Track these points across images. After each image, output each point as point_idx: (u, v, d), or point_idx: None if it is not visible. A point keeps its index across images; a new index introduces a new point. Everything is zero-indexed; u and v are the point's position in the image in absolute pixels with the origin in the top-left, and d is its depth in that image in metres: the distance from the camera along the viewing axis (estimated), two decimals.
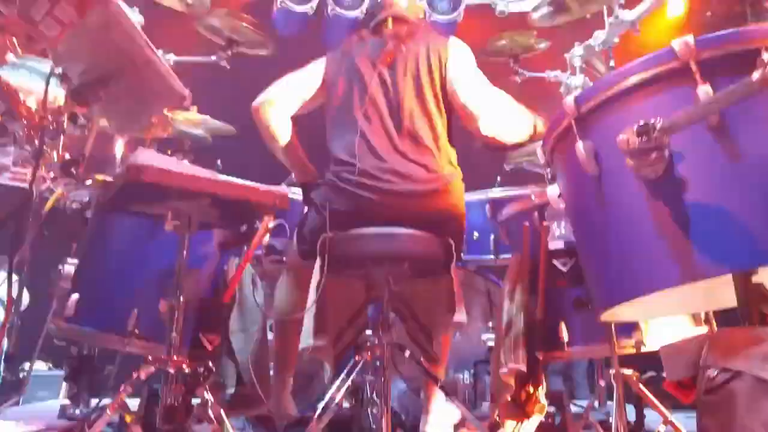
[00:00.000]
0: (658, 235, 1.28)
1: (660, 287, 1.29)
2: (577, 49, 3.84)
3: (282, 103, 2.19)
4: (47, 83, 1.48)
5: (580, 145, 1.40)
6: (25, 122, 1.26)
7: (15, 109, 1.24)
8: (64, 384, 5.20)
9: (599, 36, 3.93)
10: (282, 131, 2.18)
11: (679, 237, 1.25)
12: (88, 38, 1.38)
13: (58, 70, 1.48)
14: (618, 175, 1.33)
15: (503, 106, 2.22)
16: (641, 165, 1.25)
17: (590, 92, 1.43)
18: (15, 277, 5.51)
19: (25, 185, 1.71)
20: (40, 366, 5.76)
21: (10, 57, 1.24)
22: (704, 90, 1.22)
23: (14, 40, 1.23)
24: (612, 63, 3.66)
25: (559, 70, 3.92)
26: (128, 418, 1.52)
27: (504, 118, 2.20)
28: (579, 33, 3.81)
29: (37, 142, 1.48)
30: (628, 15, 3.86)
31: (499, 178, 3.21)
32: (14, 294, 6.17)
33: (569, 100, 1.45)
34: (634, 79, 1.34)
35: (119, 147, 2.82)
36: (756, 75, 0.93)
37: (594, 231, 1.47)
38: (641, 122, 1.19)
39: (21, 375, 5.62)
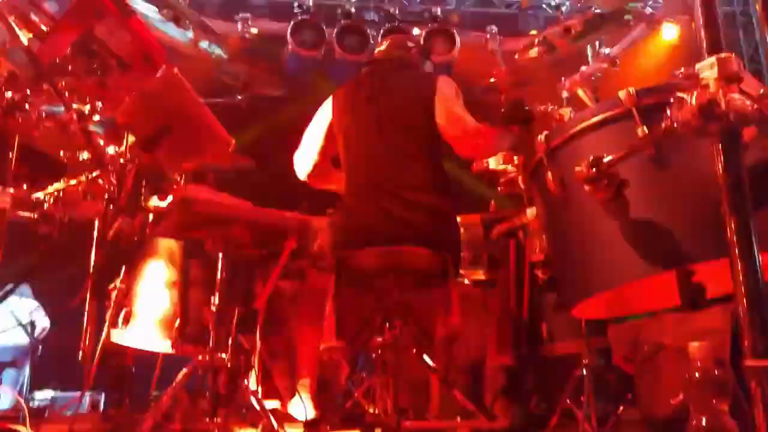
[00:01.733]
0: (612, 245, 1.60)
1: (615, 285, 1.61)
2: (565, 83, 4.22)
3: (307, 167, 2.59)
4: (126, 138, 1.84)
5: (549, 175, 1.73)
6: (110, 168, 1.60)
7: (102, 159, 1.59)
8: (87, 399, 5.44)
9: (584, 71, 4.32)
10: (321, 181, 2.57)
11: (628, 245, 1.57)
12: (152, 98, 1.73)
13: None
14: (579, 197, 1.66)
15: (479, 129, 2.52)
16: (596, 190, 1.58)
17: (557, 131, 1.77)
18: (37, 304, 5.71)
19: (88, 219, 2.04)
20: (47, 394, 6.01)
21: (96, 117, 1.58)
22: (642, 130, 1.56)
23: (99, 104, 1.58)
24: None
25: (548, 103, 4.29)
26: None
27: (479, 143, 2.51)
28: (566, 69, 4.19)
29: (104, 182, 1.82)
30: (608, 52, 4.25)
31: (493, 202, 3.55)
32: (37, 320, 6.33)
33: (541, 138, 1.78)
34: (590, 121, 1.68)
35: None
36: (662, 125, 1.26)
37: (563, 243, 1.79)
38: (592, 157, 1.52)
39: (34, 404, 5.86)
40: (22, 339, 6.05)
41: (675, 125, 1.20)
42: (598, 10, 3.48)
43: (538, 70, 3.82)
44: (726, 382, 1.06)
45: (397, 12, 4.07)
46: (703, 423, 1.05)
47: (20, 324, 6.05)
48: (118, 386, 3.00)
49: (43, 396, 5.95)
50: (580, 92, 4.20)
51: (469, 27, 4.81)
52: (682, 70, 1.20)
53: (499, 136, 2.54)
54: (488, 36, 4.30)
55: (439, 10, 4.27)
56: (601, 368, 2.13)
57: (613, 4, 3.44)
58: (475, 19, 6.49)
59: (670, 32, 4.78)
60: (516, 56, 3.71)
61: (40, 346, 6.22)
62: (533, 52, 3.65)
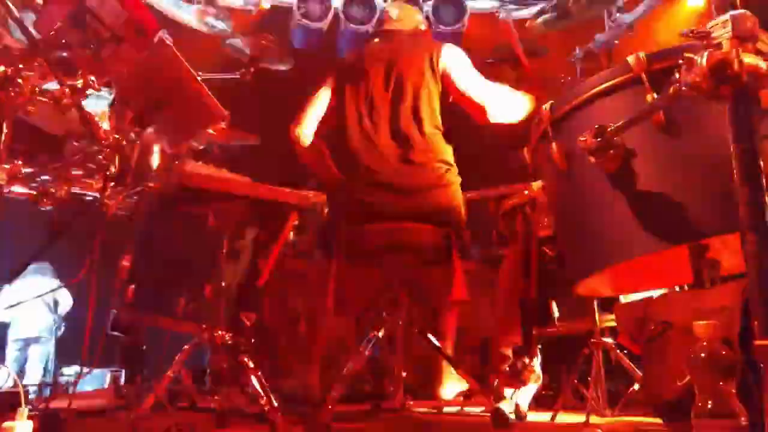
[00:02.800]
0: (619, 218, 1.54)
1: (620, 260, 1.55)
2: (579, 52, 4.10)
3: (308, 130, 2.49)
4: (112, 110, 1.80)
5: (553, 146, 1.67)
6: (103, 143, 1.57)
7: (96, 134, 1.56)
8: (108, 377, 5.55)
9: (600, 38, 4.20)
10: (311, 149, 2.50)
11: (636, 219, 1.50)
12: (145, 72, 1.69)
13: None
14: (584, 169, 1.59)
15: (503, 92, 2.45)
16: (601, 160, 1.51)
17: (562, 100, 1.69)
18: (56, 281, 5.74)
19: (90, 194, 2.02)
20: (74, 370, 6.12)
21: (90, 92, 1.54)
22: (652, 97, 1.48)
23: (93, 78, 1.54)
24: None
25: (562, 72, 4.17)
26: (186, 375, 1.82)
27: (507, 102, 2.42)
28: (580, 36, 4.06)
29: (103, 158, 1.79)
30: (625, 18, 4.12)
31: (505, 177, 3.47)
32: (59, 298, 6.39)
33: (546, 108, 1.71)
34: (597, 89, 1.60)
35: (155, 158, 3.14)
36: (670, 89, 1.18)
37: (567, 216, 1.73)
38: (596, 126, 1.45)
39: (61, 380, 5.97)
40: (47, 317, 6.19)
41: (684, 88, 1.13)
42: None
43: (551, 39, 3.72)
44: (733, 362, 1.00)
45: None
46: (709, 405, 1.00)
47: (43, 302, 6.16)
48: (130, 363, 3.03)
49: (70, 372, 6.07)
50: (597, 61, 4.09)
51: None
52: (692, 29, 1.12)
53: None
54: (499, 4, 4.18)
55: None
56: (611, 347, 2.08)
57: None
58: None
59: None
60: (527, 24, 3.60)
61: (64, 323, 6.34)
62: (545, 20, 3.54)
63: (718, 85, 1.07)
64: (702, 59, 1.08)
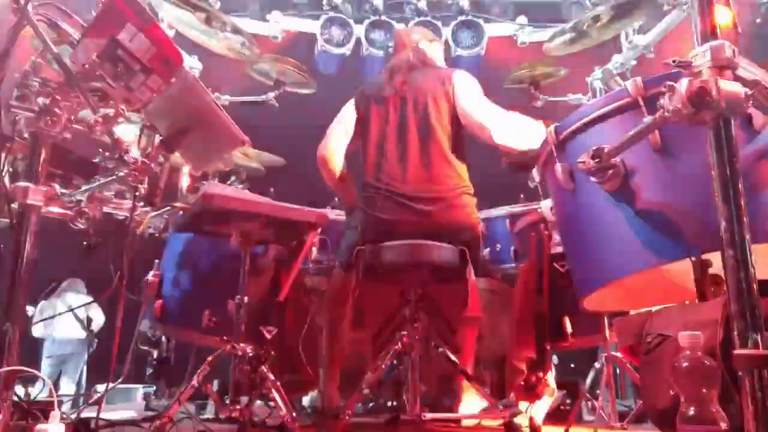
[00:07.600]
0: (619, 235, 1.59)
1: (621, 275, 1.61)
2: (597, 73, 4.16)
3: (338, 153, 2.61)
4: (140, 135, 1.93)
5: (558, 166, 1.74)
6: (132, 166, 1.70)
7: (125, 158, 1.69)
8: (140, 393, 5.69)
9: (617, 60, 4.23)
10: (339, 171, 2.61)
11: (635, 235, 1.56)
12: (171, 100, 1.82)
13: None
14: (587, 188, 1.65)
15: (509, 117, 2.45)
16: (601, 180, 1.58)
17: (566, 123, 1.76)
18: (89, 298, 5.92)
19: (121, 213, 2.15)
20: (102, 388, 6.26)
21: (120, 120, 1.67)
22: (648, 119, 1.54)
23: (123, 107, 1.67)
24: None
25: (579, 93, 4.23)
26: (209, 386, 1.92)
27: (512, 127, 2.42)
28: (598, 58, 4.11)
29: (132, 180, 1.92)
30: (642, 40, 4.16)
31: (522, 196, 3.52)
32: (92, 315, 6.57)
33: (551, 130, 1.78)
34: (597, 112, 1.67)
35: (184, 180, 3.29)
36: (656, 115, 1.25)
37: (573, 233, 1.79)
38: (594, 148, 1.52)
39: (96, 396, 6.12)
40: (80, 333, 6.39)
41: (667, 114, 1.20)
42: None
43: (568, 60, 3.77)
44: (714, 371, 1.06)
45: (425, 7, 4.10)
46: (692, 411, 1.05)
47: (77, 318, 6.36)
48: (159, 377, 3.14)
49: (102, 389, 6.21)
50: (613, 83, 4.12)
51: (511, 17, 4.75)
52: (675, 59, 1.19)
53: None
54: (518, 27, 4.26)
55: (467, 3, 4.25)
56: (621, 361, 2.12)
57: None
58: (516, 8, 6.37)
59: (723, 16, 4.61)
60: (545, 46, 3.67)
61: (96, 340, 6.54)
62: (563, 41, 3.60)
63: (698, 111, 1.13)
64: (682, 87, 1.14)
